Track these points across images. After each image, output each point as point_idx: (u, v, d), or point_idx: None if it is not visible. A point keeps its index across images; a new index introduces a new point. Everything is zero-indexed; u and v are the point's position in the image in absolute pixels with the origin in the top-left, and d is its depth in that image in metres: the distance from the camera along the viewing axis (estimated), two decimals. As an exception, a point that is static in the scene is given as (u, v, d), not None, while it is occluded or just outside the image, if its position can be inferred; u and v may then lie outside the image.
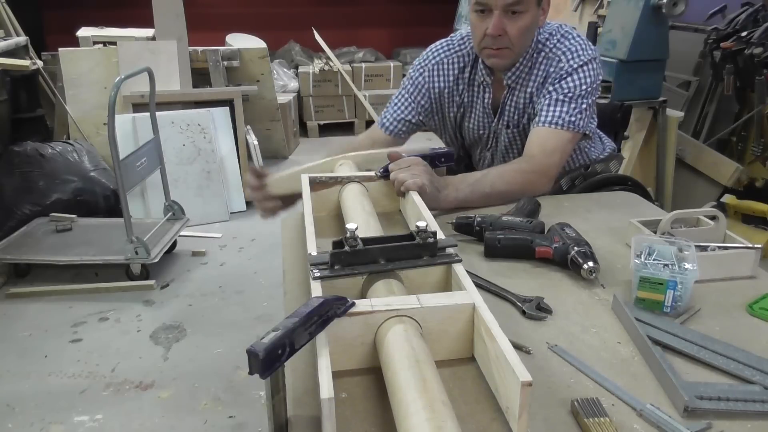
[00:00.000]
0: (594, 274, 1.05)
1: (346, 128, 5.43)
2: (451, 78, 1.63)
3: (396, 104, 1.68)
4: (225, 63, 4.07)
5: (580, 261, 1.05)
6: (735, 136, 3.42)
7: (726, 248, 1.09)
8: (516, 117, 1.59)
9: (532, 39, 1.50)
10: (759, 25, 3.06)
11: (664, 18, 2.82)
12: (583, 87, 1.48)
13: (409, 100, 1.66)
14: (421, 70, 1.65)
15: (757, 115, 3.19)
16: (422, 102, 1.66)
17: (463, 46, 1.62)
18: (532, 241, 1.13)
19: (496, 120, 1.62)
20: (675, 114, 3.14)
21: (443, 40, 1.66)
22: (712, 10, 3.37)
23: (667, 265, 0.99)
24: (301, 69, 5.26)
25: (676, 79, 3.77)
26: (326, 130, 5.39)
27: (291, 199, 1.40)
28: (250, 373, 0.64)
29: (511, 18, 1.41)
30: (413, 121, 1.67)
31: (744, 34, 3.07)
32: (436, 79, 1.63)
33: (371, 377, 0.80)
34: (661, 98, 3.02)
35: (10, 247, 2.86)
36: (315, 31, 5.21)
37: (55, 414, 2.02)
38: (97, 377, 2.20)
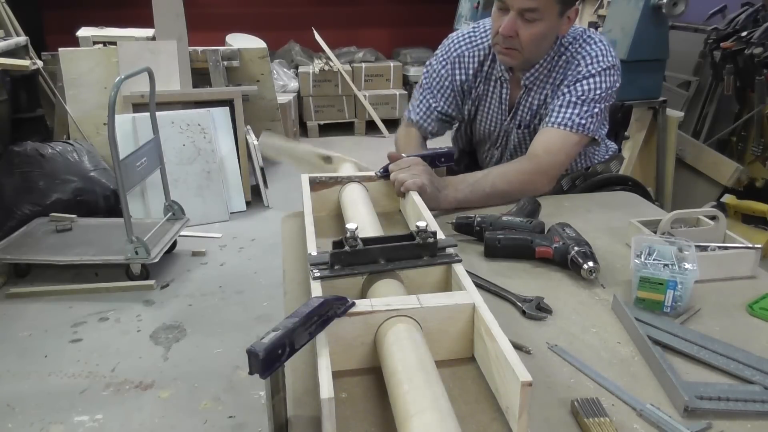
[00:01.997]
0: (594, 274, 1.05)
1: (346, 128, 5.43)
2: (471, 71, 1.61)
3: (422, 98, 1.66)
4: (225, 63, 4.06)
5: (580, 261, 1.05)
6: (735, 136, 3.42)
7: (726, 248, 1.10)
8: (528, 118, 1.58)
9: (548, 47, 1.48)
10: (759, 25, 3.06)
11: (664, 18, 2.82)
12: (598, 92, 1.46)
13: (436, 92, 1.64)
14: (444, 63, 1.63)
15: (757, 115, 3.19)
16: (445, 94, 1.64)
17: (485, 38, 1.59)
18: (532, 241, 1.13)
19: (509, 118, 1.61)
20: (675, 114, 3.14)
21: (466, 30, 1.63)
22: (712, 10, 3.37)
23: (667, 265, 0.99)
24: (301, 69, 5.26)
25: (676, 79, 3.77)
26: (326, 130, 5.39)
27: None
28: (250, 373, 0.65)
29: (525, 22, 1.39)
30: (445, 111, 1.65)
31: (744, 34, 3.07)
32: (457, 71, 1.62)
33: (371, 377, 0.80)
34: (661, 98, 3.02)
35: (10, 247, 2.86)
36: (315, 31, 5.21)
37: (55, 414, 2.02)
38: (97, 377, 2.20)
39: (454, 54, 1.62)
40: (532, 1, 1.36)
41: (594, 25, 3.67)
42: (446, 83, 1.63)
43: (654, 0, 2.76)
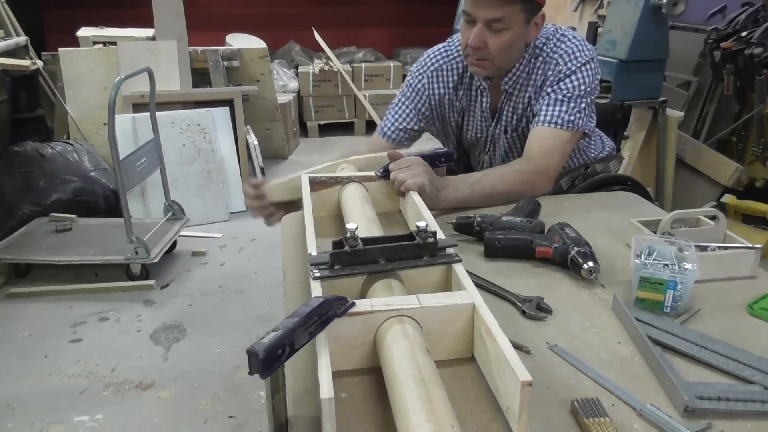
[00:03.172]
0: (594, 274, 1.05)
1: (346, 128, 5.43)
2: (450, 84, 1.62)
3: (396, 112, 1.66)
4: (225, 63, 4.07)
5: (580, 261, 1.05)
6: (735, 136, 3.42)
7: (726, 248, 1.09)
8: (514, 122, 1.59)
9: (518, 53, 1.49)
10: (759, 25, 3.06)
11: (664, 18, 2.82)
12: (582, 87, 1.47)
13: (410, 107, 1.65)
14: (420, 77, 1.64)
15: (757, 115, 3.19)
16: (422, 109, 1.64)
17: (461, 51, 1.60)
18: (532, 241, 1.13)
19: (494, 125, 1.62)
20: (675, 114, 3.14)
21: (441, 45, 1.65)
22: (712, 10, 3.37)
23: (667, 265, 0.99)
24: (301, 69, 5.26)
25: (676, 79, 3.77)
26: (326, 130, 5.39)
27: (291, 206, 1.39)
28: (250, 373, 0.64)
29: (492, 33, 1.41)
30: (415, 128, 1.66)
31: (744, 34, 3.07)
32: (435, 86, 1.63)
33: (371, 377, 0.80)
34: (661, 98, 3.02)
35: (10, 247, 2.86)
36: (315, 31, 5.21)
37: (55, 414, 2.02)
38: (97, 377, 2.20)
39: (432, 68, 1.62)
40: (496, 12, 1.37)
41: (594, 25, 3.66)
42: (423, 97, 1.63)
43: (654, 0, 2.76)
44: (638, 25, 2.81)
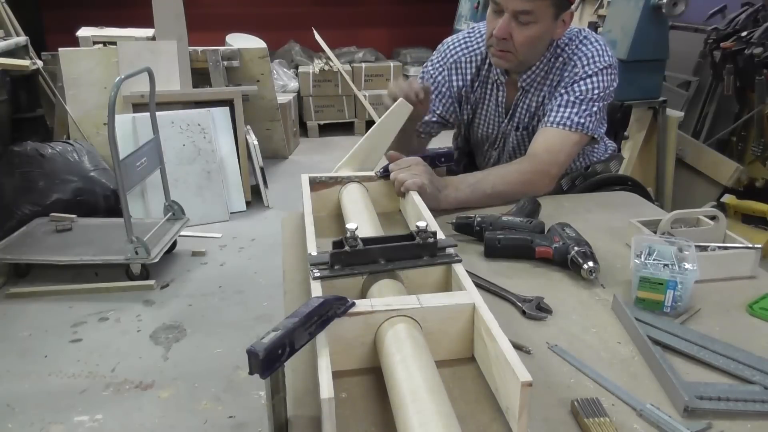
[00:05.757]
0: (594, 274, 1.05)
1: (346, 128, 5.43)
2: (468, 77, 1.61)
3: None
4: (225, 63, 4.06)
5: (580, 261, 1.05)
6: (735, 136, 3.42)
7: (726, 248, 1.10)
8: (527, 119, 1.58)
9: (542, 49, 1.48)
10: (759, 25, 3.06)
11: (664, 18, 2.82)
12: (596, 91, 1.46)
13: (433, 98, 1.62)
14: (440, 69, 1.62)
15: (757, 115, 3.19)
16: (443, 100, 1.63)
17: (481, 43, 1.59)
18: (532, 241, 1.13)
19: (507, 120, 1.61)
20: (675, 114, 3.14)
21: (462, 34, 1.63)
22: (712, 10, 3.37)
23: (667, 265, 0.99)
24: (301, 69, 5.26)
25: (676, 79, 3.77)
26: (326, 130, 5.39)
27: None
28: (250, 373, 0.65)
29: (519, 25, 1.39)
30: (443, 115, 1.64)
31: (744, 34, 3.07)
32: (454, 77, 1.61)
33: (371, 377, 0.80)
34: (661, 98, 3.02)
35: (10, 247, 2.86)
36: (315, 31, 5.20)
37: (55, 414, 2.02)
38: (97, 377, 2.20)
39: (451, 60, 1.61)
40: (526, 3, 1.36)
41: (594, 25, 3.66)
42: (443, 89, 1.62)
43: (654, 0, 2.76)
44: (638, 25, 2.81)
